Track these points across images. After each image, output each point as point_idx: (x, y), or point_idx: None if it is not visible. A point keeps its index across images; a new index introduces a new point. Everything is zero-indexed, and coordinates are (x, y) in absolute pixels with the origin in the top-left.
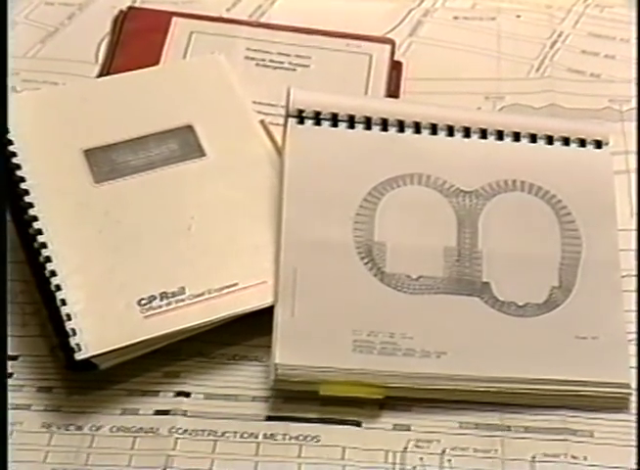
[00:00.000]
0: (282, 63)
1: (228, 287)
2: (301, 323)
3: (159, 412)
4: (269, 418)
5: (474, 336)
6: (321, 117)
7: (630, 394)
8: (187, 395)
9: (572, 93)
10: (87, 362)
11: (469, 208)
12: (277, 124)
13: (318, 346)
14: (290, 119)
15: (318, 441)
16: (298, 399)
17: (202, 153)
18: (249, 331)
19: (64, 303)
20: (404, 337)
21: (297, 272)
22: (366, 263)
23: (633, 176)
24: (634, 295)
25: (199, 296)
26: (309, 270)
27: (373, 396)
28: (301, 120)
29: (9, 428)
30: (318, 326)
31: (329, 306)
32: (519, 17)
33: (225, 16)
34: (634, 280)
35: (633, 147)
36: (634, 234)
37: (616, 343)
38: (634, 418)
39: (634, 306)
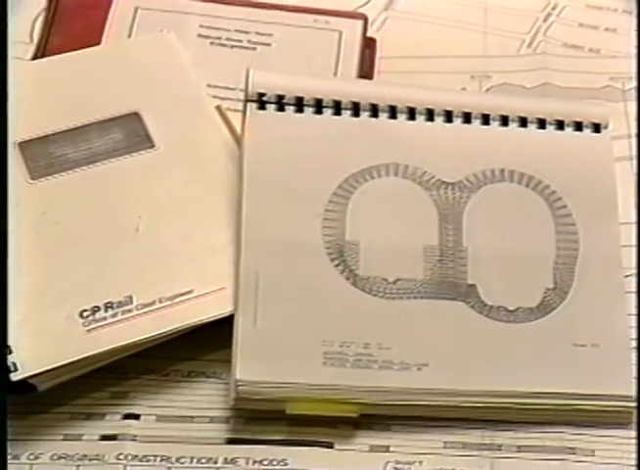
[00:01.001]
0: (240, 41)
1: (182, 295)
2: (265, 334)
3: (105, 437)
4: (230, 441)
5: (459, 345)
6: (284, 101)
7: (636, 407)
8: (136, 417)
9: (569, 71)
10: (24, 383)
11: (452, 201)
12: (235, 110)
13: (284, 359)
14: (249, 105)
15: (286, 465)
16: (263, 420)
17: (150, 144)
18: (206, 344)
19: None
20: (381, 347)
21: (259, 277)
22: (337, 265)
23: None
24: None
25: (148, 306)
26: (273, 274)
27: (346, 414)
28: (262, 106)
29: None
30: (284, 337)
31: (295, 315)
32: None
33: None
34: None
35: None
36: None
37: (618, 350)
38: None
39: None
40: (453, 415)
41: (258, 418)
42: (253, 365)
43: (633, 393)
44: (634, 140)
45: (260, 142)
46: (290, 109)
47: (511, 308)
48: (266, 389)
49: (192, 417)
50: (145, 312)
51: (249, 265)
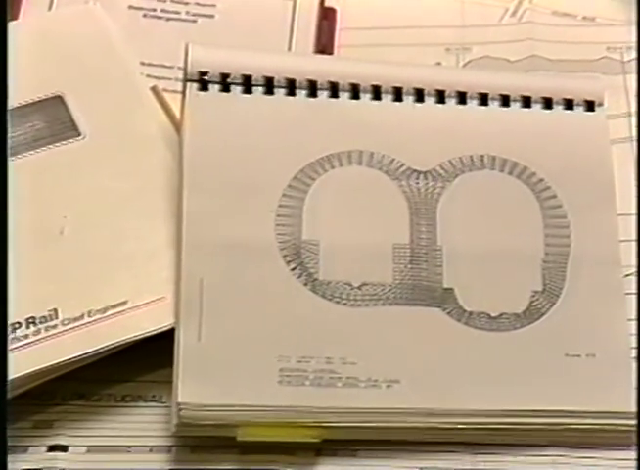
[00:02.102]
0: (178, 12)
1: (114, 307)
2: (211, 350)
3: None
4: None
5: (434, 358)
6: (230, 80)
7: (636, 426)
8: (64, 448)
9: (559, 41)
10: None
11: (424, 193)
12: (173, 92)
13: (233, 378)
14: (189, 85)
15: None
16: (210, 448)
17: (75, 132)
18: (143, 363)
19: None
20: (345, 362)
21: (203, 284)
22: (293, 269)
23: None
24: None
25: (76, 320)
26: (219, 281)
27: (307, 439)
28: (204, 86)
29: None
30: (232, 353)
31: (246, 327)
32: None
33: None
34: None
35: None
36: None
37: (617, 361)
38: None
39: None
40: (429, 438)
41: (205, 446)
42: (198, 386)
43: (633, 409)
44: (635, 119)
45: (203, 128)
46: (236, 89)
47: (494, 315)
48: (213, 413)
49: (128, 447)
50: (72, 328)
51: (191, 271)
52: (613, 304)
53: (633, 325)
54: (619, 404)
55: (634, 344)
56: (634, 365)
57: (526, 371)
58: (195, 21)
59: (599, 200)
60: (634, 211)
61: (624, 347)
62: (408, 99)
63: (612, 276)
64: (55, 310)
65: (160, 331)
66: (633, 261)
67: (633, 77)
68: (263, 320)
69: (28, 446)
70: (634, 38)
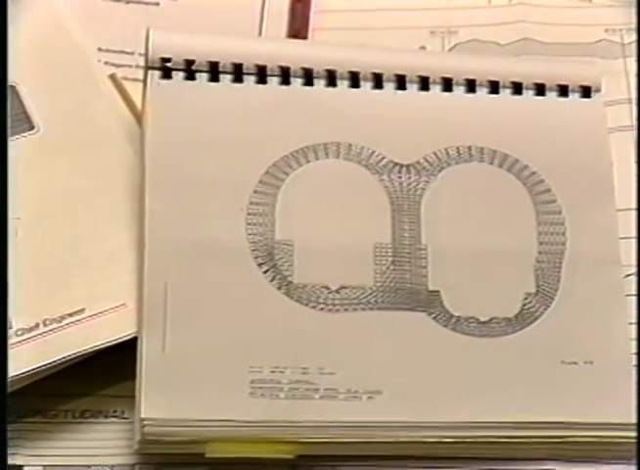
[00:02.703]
0: None
1: (71, 315)
2: (176, 360)
3: None
4: None
5: (419, 367)
6: (195, 67)
7: (636, 438)
8: (19, 469)
9: (553, 23)
10: None
11: (407, 187)
12: (134, 80)
13: (201, 391)
14: (151, 73)
15: None
16: (177, 466)
17: (29, 125)
18: (103, 376)
19: None
20: (322, 373)
21: (167, 289)
22: (266, 272)
23: None
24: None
25: (30, 330)
26: (185, 286)
27: (281, 455)
28: (167, 74)
29: None
30: (200, 363)
31: (214, 335)
32: None
33: None
34: None
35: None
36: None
37: (617, 369)
38: None
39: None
40: (414, 453)
41: (171, 464)
42: (163, 400)
43: (633, 419)
44: (636, 106)
45: (166, 119)
46: (202, 77)
47: (483, 319)
48: (180, 428)
49: (88, 467)
50: (26, 339)
51: (154, 276)
52: (612, 306)
53: (634, 329)
54: (620, 415)
55: (635, 349)
56: (635, 373)
57: (519, 380)
58: (157, 3)
59: (597, 194)
60: (634, 205)
61: (625, 353)
62: (389, 86)
63: (611, 276)
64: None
65: (121, 341)
66: (634, 260)
67: (634, 61)
68: (233, 328)
69: None
70: (634, 19)
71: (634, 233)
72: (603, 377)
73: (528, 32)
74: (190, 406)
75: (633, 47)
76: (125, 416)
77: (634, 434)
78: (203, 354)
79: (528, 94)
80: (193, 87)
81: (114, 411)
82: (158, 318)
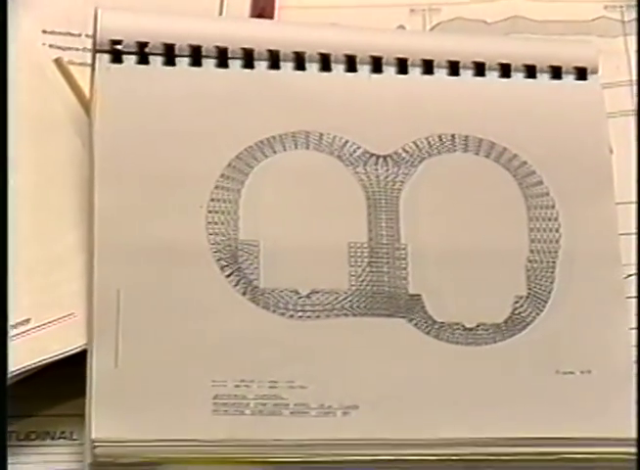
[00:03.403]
0: None
1: (15, 327)
2: (130, 376)
3: None
4: None
5: (399, 379)
6: (148, 50)
7: (636, 454)
8: None
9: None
10: None
11: (384, 181)
12: (82, 65)
13: (158, 408)
14: (100, 56)
15: None
16: None
17: None
18: (50, 394)
19: None
20: (292, 386)
21: (120, 297)
22: (229, 275)
23: None
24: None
25: None
26: (139, 293)
27: None
28: (118, 57)
29: None
30: (156, 378)
31: (173, 347)
32: None
33: None
34: None
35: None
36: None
37: (617, 379)
38: None
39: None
40: None
41: None
42: (116, 419)
43: (634, 434)
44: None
45: (116, 108)
46: (156, 60)
47: (469, 326)
48: (134, 449)
49: None
50: None
51: (105, 282)
52: (611, 310)
53: (634, 335)
54: (618, 429)
55: (636, 357)
56: (635, 383)
57: (510, 392)
58: None
59: (594, 186)
60: (635, 198)
61: (625, 361)
62: (363, 69)
63: (610, 277)
64: None
65: (69, 354)
66: (634, 259)
67: (634, 40)
68: (193, 338)
69: None
70: None
71: (634, 229)
72: (602, 388)
73: (518, 9)
74: (145, 425)
75: (634, 25)
76: (75, 437)
77: (631, 450)
78: (159, 368)
79: (518, 77)
80: (146, 72)
81: (63, 432)
82: (109, 329)
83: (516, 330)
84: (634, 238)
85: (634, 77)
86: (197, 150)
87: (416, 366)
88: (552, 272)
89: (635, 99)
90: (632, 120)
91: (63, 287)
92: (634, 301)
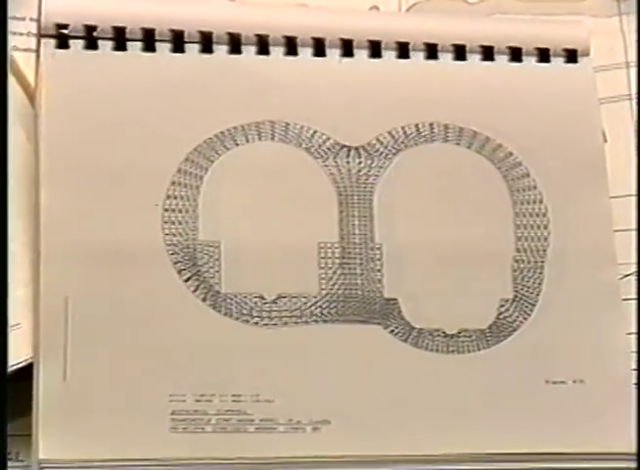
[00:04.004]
0: None
1: None
2: (80, 391)
3: None
4: None
5: (374, 391)
6: (97, 34)
7: None
8: None
9: None
10: None
11: (356, 174)
12: (26, 51)
13: (110, 426)
14: (44, 41)
15: None
16: None
17: None
18: None
19: None
20: (258, 400)
21: (68, 304)
22: (187, 280)
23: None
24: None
25: None
26: (90, 300)
27: None
28: (64, 42)
29: None
30: (109, 393)
31: (127, 359)
32: None
33: None
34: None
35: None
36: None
37: (613, 388)
38: None
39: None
40: None
41: None
42: (65, 438)
43: (633, 449)
44: (634, 71)
45: (63, 97)
46: (105, 45)
47: (451, 332)
48: None
49: None
50: None
51: (53, 288)
52: (606, 313)
53: (633, 341)
54: (615, 443)
55: (635, 365)
56: (635, 393)
57: (496, 404)
58: None
59: (586, 178)
60: (633, 191)
61: (622, 369)
62: (333, 53)
63: (604, 277)
64: None
65: (14, 368)
66: (633, 258)
67: (632, 19)
68: (149, 349)
69: None
70: None
71: (633, 224)
72: (596, 399)
73: None
74: (97, 444)
75: (632, 3)
76: (21, 458)
77: (634, 466)
78: (112, 382)
79: (502, 60)
80: (95, 58)
81: (8, 453)
82: (57, 340)
83: (501, 336)
84: (631, 234)
85: (631, 59)
86: (151, 143)
87: (392, 377)
88: (540, 273)
89: (634, 82)
90: (627, 106)
91: (8, 295)
92: (633, 303)
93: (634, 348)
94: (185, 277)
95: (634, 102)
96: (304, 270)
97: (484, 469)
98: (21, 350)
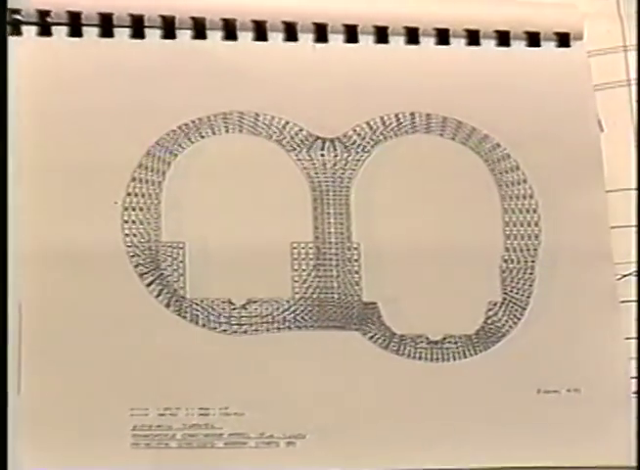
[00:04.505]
0: None
1: None
2: (35, 404)
3: None
4: None
5: (353, 402)
6: (51, 19)
7: None
8: None
9: None
10: None
11: (332, 169)
12: None
13: (67, 442)
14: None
15: None
16: None
17: None
18: None
19: None
20: (227, 413)
21: (22, 311)
22: (149, 284)
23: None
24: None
25: None
26: (45, 307)
27: None
28: (16, 28)
29: None
30: (66, 407)
31: (85, 370)
32: None
33: None
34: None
35: (635, 40)
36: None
37: (611, 398)
38: None
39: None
40: None
41: None
42: (19, 453)
43: (633, 462)
44: (634, 55)
45: (15, 87)
46: (60, 31)
47: (435, 338)
48: None
49: None
50: None
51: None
52: (603, 317)
53: (633, 346)
54: (613, 456)
55: (634, 372)
56: (633, 403)
57: (484, 416)
58: None
59: (580, 171)
60: (633, 184)
61: (621, 377)
62: (306, 38)
63: (600, 278)
64: None
65: None
66: (632, 257)
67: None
68: (108, 359)
69: None
70: None
71: (632, 221)
72: (593, 409)
73: None
74: (54, 461)
75: None
76: None
77: None
78: (69, 395)
79: (488, 44)
80: (49, 45)
81: None
82: (10, 349)
83: (489, 342)
84: (630, 231)
85: (630, 41)
86: (109, 136)
87: (372, 387)
88: (531, 274)
89: (633, 67)
90: (625, 93)
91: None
92: (633, 305)
93: (634, 354)
94: (147, 281)
95: (634, 88)
96: (276, 273)
97: None
98: None
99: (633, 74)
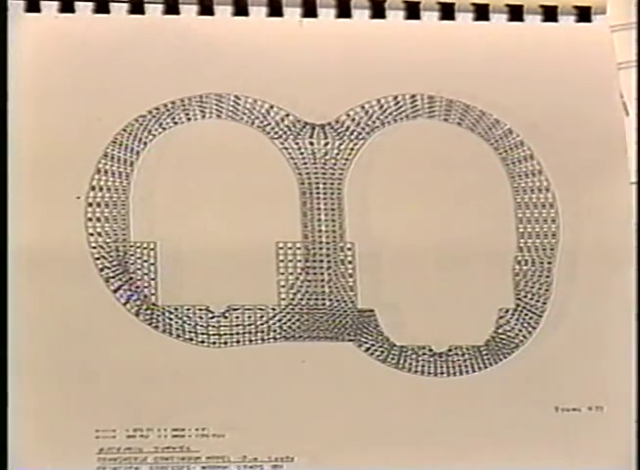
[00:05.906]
0: None
1: None
2: None
3: None
4: None
5: (347, 421)
6: None
7: None
8: None
9: None
10: None
11: (323, 159)
12: None
13: (27, 466)
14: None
15: None
16: None
17: None
18: None
19: None
20: (204, 434)
21: None
22: (116, 290)
23: None
24: None
25: None
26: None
27: None
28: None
29: None
30: (24, 427)
31: (44, 385)
32: None
33: None
34: None
35: None
36: None
37: (636, 416)
38: None
39: None
40: None
41: None
42: None
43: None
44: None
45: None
46: (18, 5)
47: (439, 350)
48: None
49: None
50: None
51: None
52: (627, 325)
53: None
54: None
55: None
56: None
57: (495, 437)
58: None
59: (601, 161)
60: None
61: None
62: (292, 12)
63: (624, 281)
64: None
65: None
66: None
67: None
68: (71, 374)
69: None
70: None
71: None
72: (617, 430)
73: None
74: None
75: None
76: None
77: None
78: (28, 414)
79: (499, 19)
80: (9, 21)
81: None
82: None
83: (501, 354)
84: None
85: None
86: (70, 122)
87: (369, 404)
88: (548, 276)
89: None
90: None
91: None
92: None
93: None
94: (114, 287)
95: None
96: (260, 277)
97: None
98: None
99: None
